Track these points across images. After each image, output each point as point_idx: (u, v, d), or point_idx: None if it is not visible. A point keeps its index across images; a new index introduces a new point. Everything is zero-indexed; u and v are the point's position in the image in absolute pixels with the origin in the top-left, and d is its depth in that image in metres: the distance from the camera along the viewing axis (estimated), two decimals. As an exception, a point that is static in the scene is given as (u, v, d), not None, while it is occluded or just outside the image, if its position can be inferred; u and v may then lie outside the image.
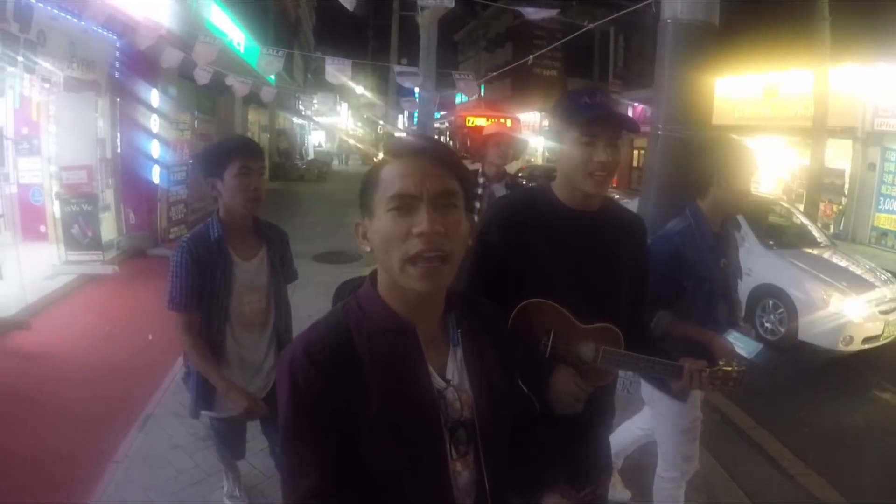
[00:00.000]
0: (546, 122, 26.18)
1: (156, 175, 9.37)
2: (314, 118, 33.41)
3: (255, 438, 3.01)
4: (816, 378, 5.83)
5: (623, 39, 26.02)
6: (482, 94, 41.49)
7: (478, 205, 3.91)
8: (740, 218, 7.27)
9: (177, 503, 3.11)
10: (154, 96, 9.14)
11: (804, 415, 4.92)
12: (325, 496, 1.03)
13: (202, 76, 8.92)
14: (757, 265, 6.73)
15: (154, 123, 9.24)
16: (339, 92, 37.53)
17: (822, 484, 3.88)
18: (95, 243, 7.43)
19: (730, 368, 1.81)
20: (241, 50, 13.34)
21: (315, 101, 26.22)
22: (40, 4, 5.66)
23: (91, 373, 4.54)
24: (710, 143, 2.67)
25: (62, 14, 6.21)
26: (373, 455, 1.06)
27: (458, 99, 45.48)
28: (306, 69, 29.17)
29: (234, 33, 13.07)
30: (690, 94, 3.82)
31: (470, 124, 22.09)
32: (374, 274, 1.18)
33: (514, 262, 1.73)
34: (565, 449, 1.63)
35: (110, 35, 7.58)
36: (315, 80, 28.79)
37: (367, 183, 1.12)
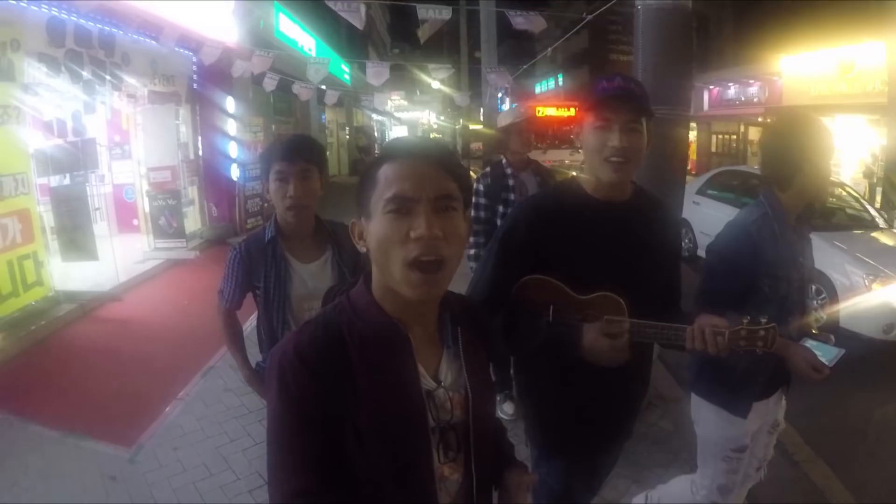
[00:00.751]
0: None
1: (234, 173, 10.48)
2: (394, 114, 34.48)
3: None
4: (851, 367, 5.41)
5: (695, 20, 25.12)
6: (560, 83, 41.10)
7: (512, 196, 3.76)
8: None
9: (222, 432, 3.91)
10: (229, 103, 10.24)
11: (827, 403, 4.55)
12: (310, 496, 1.00)
13: (269, 83, 9.93)
14: None
15: (230, 127, 10.36)
16: (420, 87, 38.62)
17: (826, 473, 3.79)
18: (179, 232, 8.57)
19: (756, 327, 1.59)
20: (313, 54, 14.38)
21: (391, 97, 27.08)
22: (120, 32, 6.69)
23: (168, 335, 5.59)
24: (791, 123, 2.25)
25: (141, 38, 7.26)
26: (358, 457, 1.05)
27: (537, 89, 45.23)
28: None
29: (304, 39, 14.12)
30: (668, 77, 3.84)
31: (540, 114, 22.32)
32: (367, 274, 1.16)
33: (542, 263, 1.69)
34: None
35: (186, 52, 8.64)
36: (393, 77, 29.46)
37: (363, 182, 1.10)
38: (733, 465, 2.36)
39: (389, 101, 29.89)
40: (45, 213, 6.34)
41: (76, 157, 6.57)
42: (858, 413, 4.59)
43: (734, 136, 20.93)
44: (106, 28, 6.54)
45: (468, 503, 1.19)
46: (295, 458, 1.03)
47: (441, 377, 1.16)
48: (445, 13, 7.33)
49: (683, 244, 9.34)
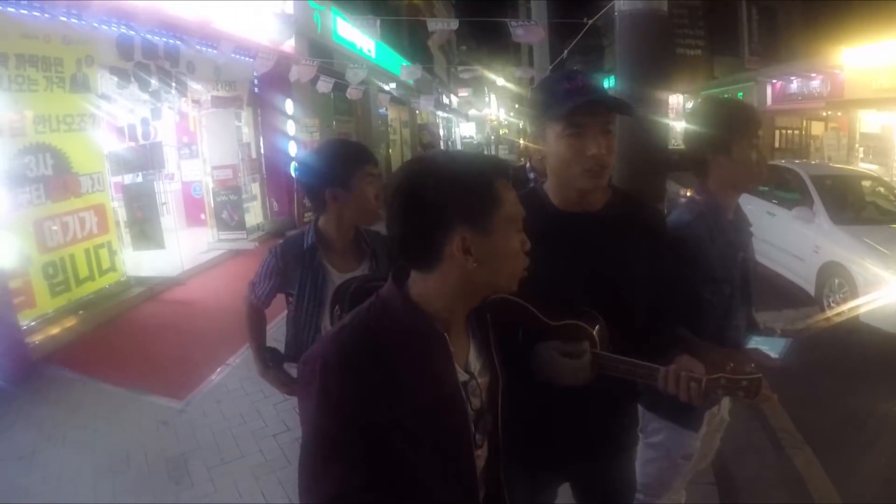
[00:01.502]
0: (689, 105, 25.06)
1: (293, 170, 11.19)
2: (460, 111, 34.90)
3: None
4: (866, 362, 5.31)
5: (757, 12, 24.05)
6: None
7: None
8: (812, 192, 7.08)
9: (258, 390, 4.49)
10: (288, 105, 10.94)
11: (833, 395, 4.69)
12: (355, 499, 1.02)
13: (323, 86, 10.54)
14: (825, 242, 6.53)
15: (289, 127, 11.06)
16: (487, 84, 38.88)
17: (810, 460, 3.84)
18: (240, 225, 9.31)
19: (738, 377, 1.39)
20: (373, 55, 14.96)
21: (452, 95, 27.43)
22: (182, 44, 7.40)
23: (223, 313, 6.19)
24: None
25: (204, 48, 7.97)
26: (406, 458, 1.07)
27: (605, 83, 44.58)
28: (449, 64, 30.54)
29: (363, 41, 14.72)
30: (646, 80, 3.90)
31: None
32: (398, 277, 1.18)
33: None
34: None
35: (247, 59, 9.35)
36: (459, 75, 29.81)
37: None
38: (681, 469, 2.35)
39: (455, 98, 30.38)
40: (118, 208, 7.13)
41: (145, 158, 7.36)
42: (862, 406, 4.55)
43: (797, 132, 20.11)
44: (170, 41, 7.25)
45: (495, 486, 1.28)
46: (336, 466, 1.03)
47: (471, 366, 1.22)
48: (453, 24, 7.64)
49: None
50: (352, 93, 10.94)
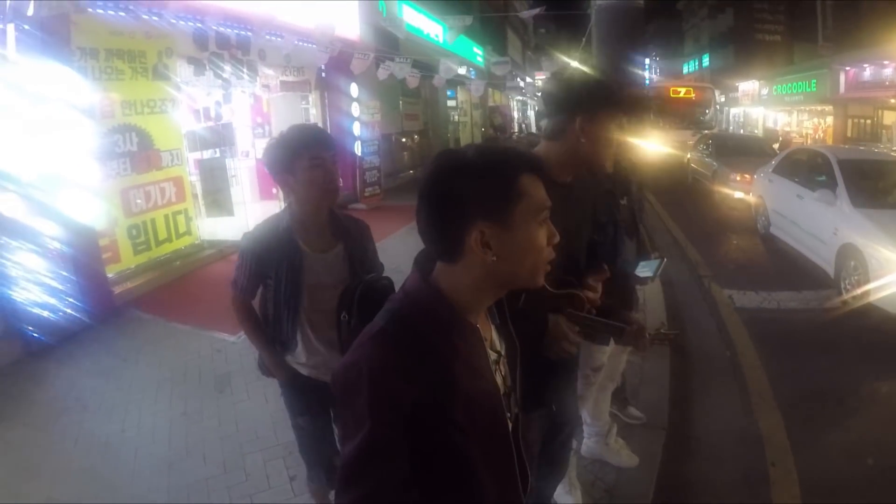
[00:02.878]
0: (765, 91, 24.03)
1: (357, 148, 11.89)
2: (536, 94, 34.71)
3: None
4: (871, 344, 5.31)
5: None
6: (706, 63, 38.86)
7: None
8: (837, 174, 7.07)
9: None
10: (353, 89, 11.62)
11: (822, 370, 4.78)
12: (404, 491, 1.04)
13: (382, 73, 11.12)
14: (843, 224, 6.57)
15: (354, 109, 11.76)
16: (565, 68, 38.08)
17: (776, 425, 3.99)
18: (304, 199, 10.12)
19: (669, 332, 2.02)
20: (441, 41, 15.37)
21: (526, 78, 27.36)
22: (251, 35, 8.15)
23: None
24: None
25: (272, 37, 8.70)
26: (455, 449, 1.08)
27: (685, 69, 43.04)
28: (524, 47, 30.42)
29: (431, 27, 15.15)
30: (622, 66, 4.24)
31: (673, 94, 21.90)
32: (424, 272, 1.17)
33: None
34: None
35: (313, 46, 10.04)
36: (535, 57, 29.61)
37: (499, 191, 1.09)
38: (591, 380, 2.84)
39: (530, 81, 30.26)
40: (194, 181, 8.02)
41: (218, 137, 8.24)
42: (849, 384, 4.61)
43: (869, 121, 18.99)
44: (241, 32, 8.01)
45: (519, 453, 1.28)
46: (383, 464, 1.04)
47: (497, 346, 1.25)
48: (467, 20, 7.93)
49: (760, 222, 9.28)
50: (410, 80, 11.45)
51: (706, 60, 38.57)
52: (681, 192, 13.97)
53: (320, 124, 11.45)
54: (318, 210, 2.26)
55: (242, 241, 2.30)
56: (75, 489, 3.35)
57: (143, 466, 3.56)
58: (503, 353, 1.26)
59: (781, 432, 3.92)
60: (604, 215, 2.37)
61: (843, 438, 3.91)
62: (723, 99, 30.65)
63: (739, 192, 11.41)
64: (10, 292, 4.86)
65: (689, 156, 15.94)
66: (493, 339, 1.25)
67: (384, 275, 2.16)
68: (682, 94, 22.02)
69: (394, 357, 1.06)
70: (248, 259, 2.26)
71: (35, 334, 4.92)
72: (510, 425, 1.22)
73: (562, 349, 1.76)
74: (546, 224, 1.15)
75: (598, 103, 1.85)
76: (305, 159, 2.13)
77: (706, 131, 18.46)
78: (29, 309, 4.95)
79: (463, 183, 1.09)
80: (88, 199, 5.69)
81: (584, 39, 12.92)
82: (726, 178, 12.33)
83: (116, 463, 3.60)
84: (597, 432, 3.23)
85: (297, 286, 2.23)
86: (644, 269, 2.36)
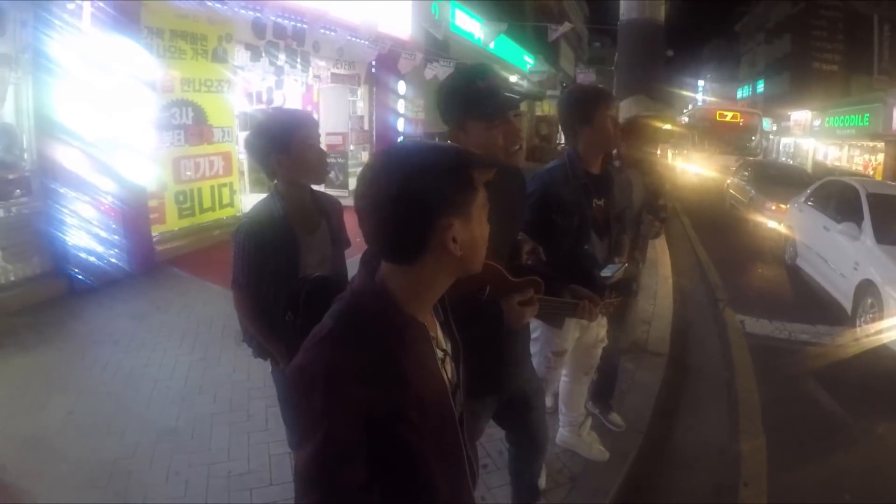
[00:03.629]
0: (817, 123, 23.25)
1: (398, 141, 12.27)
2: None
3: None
4: (873, 382, 5.01)
5: (889, 29, 21.52)
6: (760, 89, 37.79)
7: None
8: (864, 208, 6.84)
9: None
10: (400, 86, 12.03)
11: (818, 404, 4.64)
12: (363, 491, 1.05)
13: (428, 73, 11.49)
14: (864, 260, 6.29)
15: (399, 105, 12.17)
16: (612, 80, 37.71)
17: (758, 447, 3.85)
18: (344, 184, 10.52)
19: (611, 300, 2.15)
20: (491, 46, 15.60)
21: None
22: (306, 27, 8.60)
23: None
24: (570, 95, 2.76)
25: (326, 31, 9.13)
26: (407, 448, 1.09)
27: (738, 93, 42.01)
28: (577, 60, 30.30)
29: (482, 32, 15.41)
30: (644, 80, 4.37)
31: (720, 118, 21.69)
32: (369, 272, 1.15)
33: None
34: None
35: (365, 42, 10.45)
36: (587, 69, 29.34)
37: (462, 185, 1.08)
38: (552, 363, 2.87)
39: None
40: (242, 158, 8.51)
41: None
42: (841, 420, 4.42)
43: None
44: (297, 24, 8.46)
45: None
46: (344, 467, 1.03)
47: (442, 344, 1.24)
48: (502, 26, 8.11)
49: (788, 252, 9.16)
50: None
51: (760, 86, 37.22)
52: (716, 216, 13.77)
53: (367, 118, 11.90)
54: (305, 190, 2.27)
55: (238, 236, 2.19)
56: (95, 407, 3.73)
57: (160, 396, 3.92)
58: (448, 350, 1.25)
59: (762, 455, 3.80)
60: (573, 206, 2.57)
61: (825, 471, 3.75)
62: (774, 127, 29.70)
63: (773, 221, 11.22)
64: (63, 236, 5.37)
65: (728, 181, 15.75)
66: (440, 338, 1.24)
67: (324, 274, 2.19)
68: (728, 119, 21.70)
69: (347, 359, 1.04)
70: (249, 252, 2.18)
71: (80, 276, 5.41)
72: (457, 422, 1.22)
73: (518, 320, 1.77)
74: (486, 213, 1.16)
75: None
76: (300, 139, 2.15)
77: (749, 158, 18.12)
78: (77, 253, 5.45)
79: (424, 181, 1.04)
80: (143, 163, 6.21)
81: (615, 56, 13.01)
82: (762, 206, 12.12)
83: (136, 391, 3.97)
84: (570, 422, 3.28)
85: (295, 271, 2.19)
86: (606, 271, 2.50)
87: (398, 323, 1.11)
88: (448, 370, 1.23)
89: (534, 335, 2.74)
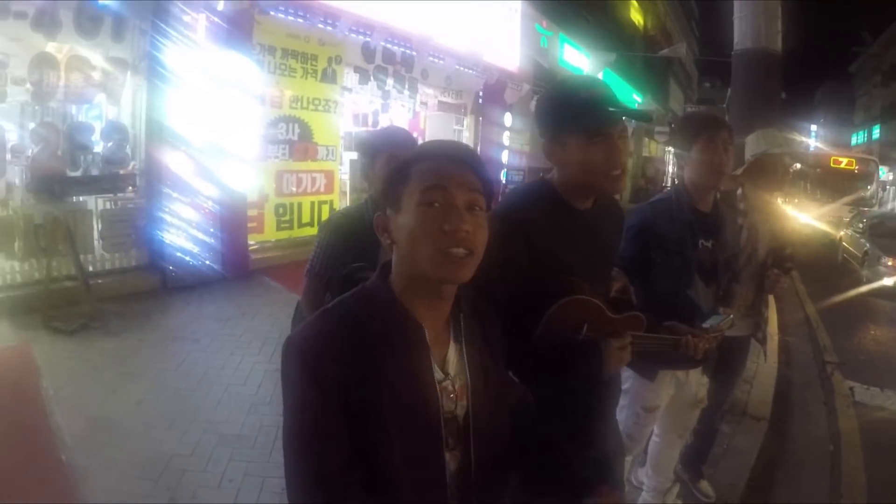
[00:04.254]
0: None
1: (503, 176, 12.00)
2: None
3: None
4: None
5: None
6: (876, 135, 33.92)
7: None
8: None
9: None
10: (506, 118, 11.79)
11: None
12: (332, 481, 1.00)
13: (535, 105, 11.14)
14: None
15: (505, 138, 11.91)
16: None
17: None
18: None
19: (717, 333, 1.96)
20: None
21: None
22: (414, 54, 8.60)
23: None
24: (682, 120, 2.64)
25: (434, 59, 9.10)
26: (374, 443, 1.03)
27: (853, 139, 38.22)
28: (686, 100, 28.94)
29: (591, 68, 14.98)
30: (757, 111, 4.01)
31: (833, 164, 19.88)
32: (384, 269, 1.14)
33: (526, 258, 1.52)
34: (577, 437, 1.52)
35: (473, 72, 10.36)
36: (685, 109, 28.05)
37: (393, 178, 1.10)
38: (641, 420, 2.51)
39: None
40: (344, 178, 8.53)
41: (372, 141, 8.68)
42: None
43: None
44: (406, 50, 8.47)
45: (467, 494, 1.15)
46: (316, 442, 1.01)
47: (448, 367, 1.15)
48: (611, 57, 7.60)
49: None
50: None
51: (876, 132, 33.50)
52: (827, 270, 12.37)
53: (472, 147, 11.71)
54: None
55: (324, 228, 2.25)
56: (164, 400, 3.65)
57: (229, 400, 3.78)
58: (454, 378, 1.15)
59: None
60: (675, 245, 2.26)
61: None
62: (891, 176, 26.85)
63: (890, 278, 9.90)
64: (162, 233, 5.47)
65: (842, 233, 14.13)
66: (449, 359, 1.16)
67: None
68: (842, 165, 19.66)
69: (326, 336, 1.05)
70: (331, 245, 2.19)
71: (174, 273, 5.47)
72: (447, 446, 1.13)
73: (617, 364, 1.57)
74: (440, 207, 1.05)
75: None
76: (383, 156, 2.15)
77: (864, 209, 16.23)
78: (174, 251, 5.53)
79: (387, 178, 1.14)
80: (246, 173, 6.29)
81: (728, 91, 12.12)
82: (877, 261, 10.75)
83: (207, 391, 3.85)
84: (655, 487, 2.90)
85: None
86: (709, 322, 2.17)
87: (392, 314, 1.09)
88: (448, 396, 1.13)
89: (624, 386, 2.38)
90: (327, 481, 1.00)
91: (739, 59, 4.23)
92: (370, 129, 8.92)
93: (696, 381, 2.56)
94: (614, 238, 1.80)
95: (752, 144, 3.07)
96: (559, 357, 1.48)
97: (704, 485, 3.28)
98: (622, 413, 2.39)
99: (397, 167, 1.11)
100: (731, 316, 2.20)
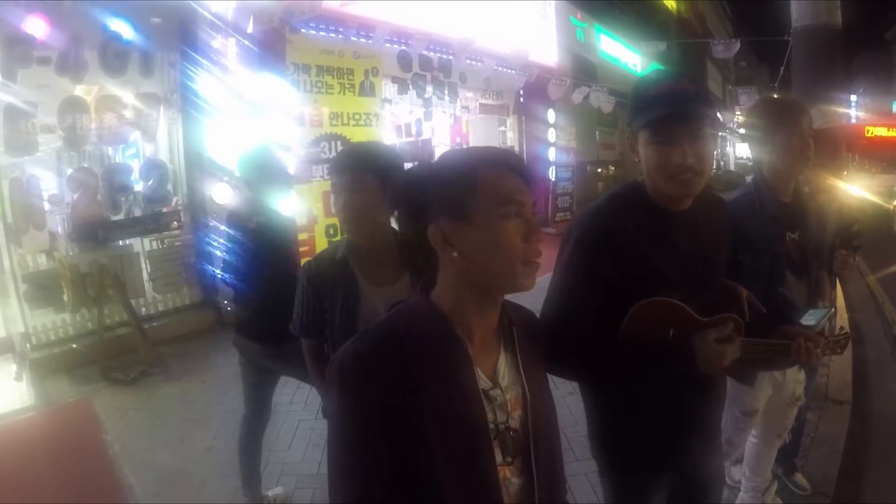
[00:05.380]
0: None
1: (551, 174, 11.28)
2: (737, 130, 31.11)
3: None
4: None
5: None
6: None
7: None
8: None
9: None
10: (550, 115, 11.06)
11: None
12: (373, 501, 0.94)
13: (577, 97, 10.43)
14: None
15: (550, 134, 11.19)
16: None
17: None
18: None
19: (836, 336, 1.67)
20: (639, 70, 14.24)
21: (735, 112, 24.54)
22: (452, 59, 8.04)
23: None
24: (756, 107, 2.27)
25: (472, 62, 8.53)
26: (423, 461, 0.97)
27: (894, 107, 35.43)
28: (725, 81, 27.32)
29: (629, 56, 14.10)
30: (820, 91, 3.72)
31: (869, 134, 18.13)
32: (426, 285, 1.09)
33: (616, 271, 1.40)
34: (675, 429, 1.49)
35: (512, 72, 9.72)
36: (736, 92, 26.62)
37: (455, 187, 1.01)
38: (740, 424, 2.42)
39: (737, 116, 27.16)
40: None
41: (418, 152, 8.17)
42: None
43: None
44: (443, 56, 7.92)
45: (526, 500, 1.08)
46: (358, 463, 0.96)
47: (499, 378, 1.08)
48: (661, 46, 6.83)
49: None
50: (604, 106, 10.60)
51: None
52: (882, 242, 11.29)
53: (517, 148, 11.06)
54: (372, 239, 1.81)
55: (301, 274, 1.87)
56: (233, 444, 3.26)
57: (302, 438, 3.50)
58: (504, 388, 1.07)
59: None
60: (764, 243, 2.08)
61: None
62: None
63: None
64: (213, 269, 5.06)
65: (894, 203, 12.89)
66: (499, 370, 1.09)
67: None
68: (890, 133, 17.97)
69: (365, 354, 1.00)
70: (307, 293, 1.85)
71: (229, 308, 5.07)
72: (501, 460, 1.05)
73: (715, 362, 1.35)
74: (519, 220, 1.01)
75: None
76: (344, 181, 1.75)
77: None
78: (227, 284, 5.13)
79: (424, 186, 1.04)
80: (292, 197, 5.82)
81: (781, 70, 10.96)
82: None
83: (278, 431, 3.51)
84: (754, 487, 2.74)
85: (353, 318, 1.81)
86: (809, 318, 1.96)
87: (433, 330, 1.03)
88: (500, 407, 1.05)
89: None
90: (362, 502, 0.94)
91: (799, 36, 3.93)
92: (415, 139, 8.42)
93: (794, 380, 2.42)
94: (719, 238, 1.58)
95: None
96: (645, 354, 1.37)
97: (799, 477, 3.13)
98: (726, 416, 2.30)
99: (457, 179, 1.02)
100: (833, 309, 2.08)
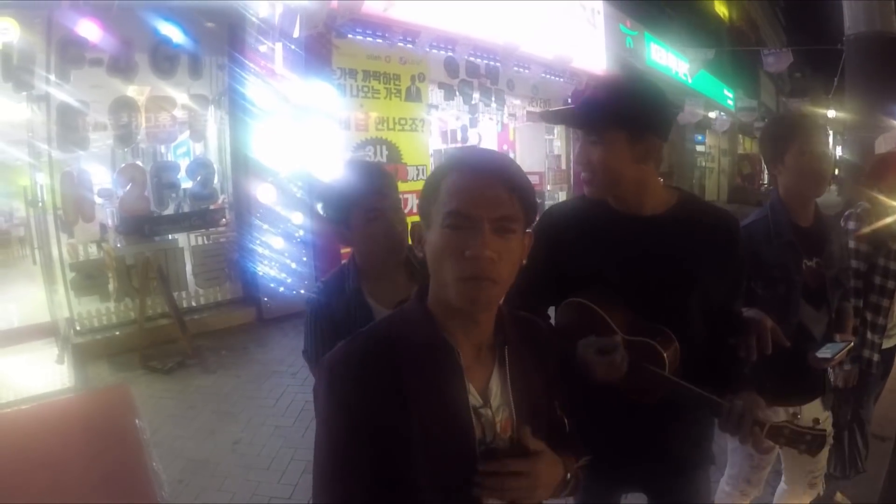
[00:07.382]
0: None
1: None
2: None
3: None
4: None
5: None
6: None
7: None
8: None
9: None
10: (598, 121, 10.49)
11: None
12: (368, 494, 0.88)
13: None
14: None
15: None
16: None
17: None
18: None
19: (803, 429, 1.16)
20: (689, 80, 13.40)
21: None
22: (498, 65, 7.66)
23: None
24: (770, 122, 2.05)
25: (520, 69, 8.13)
26: (405, 469, 0.90)
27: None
28: (778, 93, 25.54)
29: (679, 65, 13.27)
30: (872, 99, 3.43)
31: None
32: (422, 288, 0.98)
33: (552, 263, 1.33)
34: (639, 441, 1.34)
35: (560, 79, 9.25)
36: (791, 104, 24.88)
37: (425, 190, 0.94)
38: (755, 461, 2.11)
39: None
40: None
41: (462, 157, 7.82)
42: None
43: None
44: (490, 62, 7.57)
45: None
46: (341, 467, 0.89)
47: (490, 396, 0.97)
48: (709, 53, 6.25)
49: None
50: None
51: None
52: None
53: (564, 157, 10.54)
54: (385, 264, 1.58)
55: (308, 305, 1.63)
56: (262, 440, 3.32)
57: None
58: (494, 408, 0.96)
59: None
60: (778, 271, 1.82)
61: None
62: None
63: None
64: (255, 265, 4.90)
65: None
66: (491, 388, 0.97)
67: None
68: None
69: (353, 358, 0.92)
70: (318, 323, 1.60)
71: (269, 304, 4.90)
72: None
73: (605, 372, 1.20)
74: (461, 231, 0.86)
75: None
76: (361, 210, 1.49)
77: None
78: (268, 282, 4.95)
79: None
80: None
81: (835, 80, 9.95)
82: None
83: (305, 427, 3.42)
84: None
85: None
86: (825, 351, 1.77)
87: (425, 337, 0.93)
88: (487, 425, 0.96)
89: None
90: None
91: (853, 44, 3.64)
92: (461, 145, 8.07)
93: (815, 415, 1.97)
94: (700, 255, 1.29)
95: (883, 144, 2.84)
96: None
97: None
98: (735, 455, 2.11)
99: (430, 179, 0.94)
100: (852, 343, 1.83)
